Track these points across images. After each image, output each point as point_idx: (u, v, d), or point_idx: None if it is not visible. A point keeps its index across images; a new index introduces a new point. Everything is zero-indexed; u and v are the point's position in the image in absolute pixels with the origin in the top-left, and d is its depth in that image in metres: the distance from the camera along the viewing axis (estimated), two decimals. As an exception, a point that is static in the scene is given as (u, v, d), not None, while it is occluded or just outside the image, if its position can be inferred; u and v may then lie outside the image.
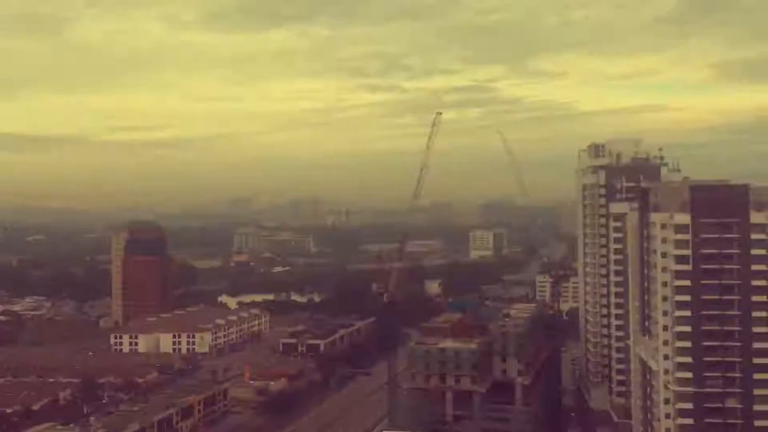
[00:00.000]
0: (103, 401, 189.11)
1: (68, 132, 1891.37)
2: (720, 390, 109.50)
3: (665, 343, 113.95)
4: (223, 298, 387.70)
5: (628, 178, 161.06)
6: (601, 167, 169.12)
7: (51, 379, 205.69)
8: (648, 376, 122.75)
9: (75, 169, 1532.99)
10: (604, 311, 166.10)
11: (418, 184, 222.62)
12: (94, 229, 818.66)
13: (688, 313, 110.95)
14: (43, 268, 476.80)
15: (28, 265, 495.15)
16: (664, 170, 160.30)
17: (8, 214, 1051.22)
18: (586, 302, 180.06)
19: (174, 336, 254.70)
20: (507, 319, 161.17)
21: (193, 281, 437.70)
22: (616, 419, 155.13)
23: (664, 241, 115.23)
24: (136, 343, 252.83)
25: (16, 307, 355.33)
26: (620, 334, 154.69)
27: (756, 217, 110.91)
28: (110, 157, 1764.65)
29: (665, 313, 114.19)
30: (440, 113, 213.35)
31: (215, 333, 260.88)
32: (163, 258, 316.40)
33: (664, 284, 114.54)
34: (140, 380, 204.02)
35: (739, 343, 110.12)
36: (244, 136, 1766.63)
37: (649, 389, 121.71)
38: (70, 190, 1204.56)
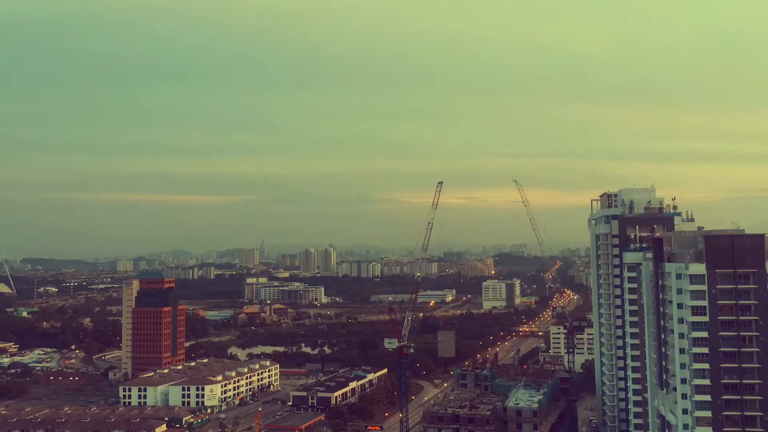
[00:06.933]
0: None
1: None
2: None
3: (684, 396, 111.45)
4: (233, 350, 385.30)
5: (641, 227, 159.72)
6: (614, 216, 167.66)
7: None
8: (667, 431, 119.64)
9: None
10: (621, 363, 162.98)
11: (426, 237, 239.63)
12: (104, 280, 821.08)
13: (706, 365, 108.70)
14: (53, 320, 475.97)
15: (37, 317, 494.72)
16: (677, 220, 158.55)
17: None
18: (601, 354, 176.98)
19: (183, 389, 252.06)
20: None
21: (203, 332, 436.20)
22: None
23: (679, 291, 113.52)
24: (145, 396, 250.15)
25: (25, 359, 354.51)
26: (637, 387, 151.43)
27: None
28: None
29: (683, 366, 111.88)
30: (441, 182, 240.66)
31: (225, 385, 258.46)
32: (173, 309, 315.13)
33: (681, 336, 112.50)
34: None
35: (759, 397, 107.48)
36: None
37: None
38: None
